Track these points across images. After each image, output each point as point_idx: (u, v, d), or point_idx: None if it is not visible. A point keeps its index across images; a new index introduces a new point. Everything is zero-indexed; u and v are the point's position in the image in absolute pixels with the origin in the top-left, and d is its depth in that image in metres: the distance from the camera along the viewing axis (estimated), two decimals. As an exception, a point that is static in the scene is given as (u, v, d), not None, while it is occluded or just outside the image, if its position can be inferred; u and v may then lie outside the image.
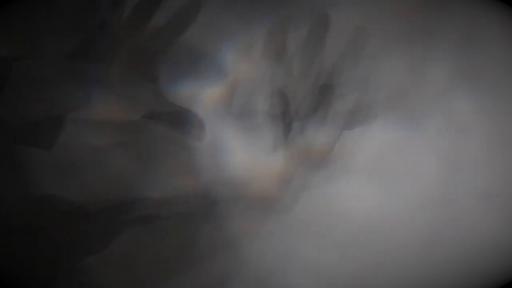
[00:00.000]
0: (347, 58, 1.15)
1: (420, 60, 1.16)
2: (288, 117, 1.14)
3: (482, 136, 1.16)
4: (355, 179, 1.14)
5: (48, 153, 1.10)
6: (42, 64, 1.10)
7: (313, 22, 1.15)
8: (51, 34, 1.11)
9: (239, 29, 1.14)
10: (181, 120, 1.12)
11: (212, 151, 1.13)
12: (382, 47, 1.15)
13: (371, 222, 1.14)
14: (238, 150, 1.13)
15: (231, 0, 1.14)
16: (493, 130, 1.16)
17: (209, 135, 1.13)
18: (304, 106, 1.14)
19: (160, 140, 1.12)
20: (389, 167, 1.15)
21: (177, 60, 1.13)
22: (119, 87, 1.12)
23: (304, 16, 1.15)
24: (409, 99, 1.16)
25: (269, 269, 1.12)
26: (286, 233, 1.13)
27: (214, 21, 1.13)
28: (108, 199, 1.10)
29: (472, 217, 1.14)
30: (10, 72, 1.09)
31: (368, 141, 1.15)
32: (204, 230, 1.12)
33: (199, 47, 1.13)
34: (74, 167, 1.10)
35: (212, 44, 1.13)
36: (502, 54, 1.16)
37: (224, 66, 1.14)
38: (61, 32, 1.11)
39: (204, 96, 1.13)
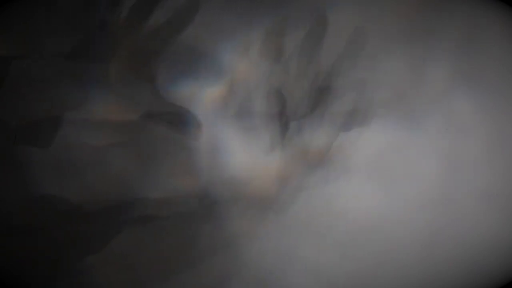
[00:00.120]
0: (346, 58, 1.15)
1: (420, 60, 1.16)
2: (285, 117, 1.14)
3: (482, 136, 1.16)
4: (355, 179, 1.14)
5: (48, 153, 1.10)
6: (42, 64, 1.10)
7: (313, 22, 1.15)
8: (51, 34, 1.11)
9: (238, 29, 1.14)
10: (180, 120, 1.12)
11: (211, 151, 1.13)
12: (382, 47, 1.15)
13: (371, 222, 1.14)
14: (237, 150, 1.13)
15: (231, 0, 1.14)
16: (493, 130, 1.16)
17: (209, 135, 1.13)
18: (302, 106, 1.14)
19: (160, 140, 1.12)
20: (389, 167, 1.15)
21: (176, 60, 1.13)
22: (118, 87, 1.12)
23: (303, 16, 1.15)
24: (409, 99, 1.16)
25: (269, 269, 1.12)
26: (286, 233, 1.13)
27: (214, 21, 1.14)
28: (108, 199, 1.11)
29: (472, 217, 1.14)
30: (9, 72, 1.09)
31: (368, 141, 1.15)
32: (204, 230, 1.12)
33: (199, 47, 1.13)
34: (74, 167, 1.10)
35: (211, 44, 1.13)
36: (502, 54, 1.16)
37: (224, 66, 1.14)
38: (61, 32, 1.11)
39: (203, 96, 1.13)
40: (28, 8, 1.11)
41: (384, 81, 1.15)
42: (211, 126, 1.13)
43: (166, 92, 1.12)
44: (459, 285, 1.13)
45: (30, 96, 1.10)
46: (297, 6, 1.15)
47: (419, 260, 1.13)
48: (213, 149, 1.13)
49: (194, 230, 1.12)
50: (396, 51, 1.16)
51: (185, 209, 1.12)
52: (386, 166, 1.15)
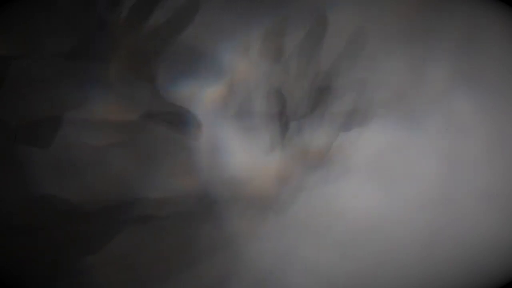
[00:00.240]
0: (346, 58, 1.15)
1: (420, 60, 1.16)
2: (285, 117, 1.14)
3: (482, 136, 1.16)
4: (354, 179, 1.14)
5: (48, 153, 1.10)
6: (42, 64, 1.10)
7: (313, 22, 1.15)
8: (51, 34, 1.11)
9: (238, 29, 1.14)
10: (180, 120, 1.12)
11: (211, 151, 1.13)
12: (382, 47, 1.15)
13: (371, 222, 1.14)
14: (237, 150, 1.13)
15: (231, 0, 1.14)
16: (493, 130, 1.16)
17: (209, 135, 1.13)
18: (302, 106, 1.14)
19: (159, 140, 1.12)
20: (389, 167, 1.15)
21: (176, 60, 1.13)
22: (118, 87, 1.12)
23: (303, 16, 1.15)
24: (409, 99, 1.16)
25: (269, 269, 1.12)
26: (286, 233, 1.13)
27: (214, 21, 1.14)
28: (108, 199, 1.11)
29: (472, 217, 1.14)
30: (9, 72, 1.10)
31: (368, 141, 1.15)
32: (204, 230, 1.12)
33: (199, 47, 1.13)
34: (74, 167, 1.10)
35: (211, 44, 1.13)
36: (502, 54, 1.16)
37: (224, 66, 1.14)
38: (61, 32, 1.11)
39: (203, 96, 1.13)
40: (28, 8, 1.11)
41: (384, 81, 1.15)
42: (211, 126, 1.13)
43: (166, 92, 1.12)
44: (459, 285, 1.13)
45: (30, 96, 1.10)
46: (297, 6, 1.15)
47: (419, 260, 1.13)
48: (213, 149, 1.13)
49: (193, 230, 1.12)
50: (396, 51, 1.16)
51: (184, 209, 1.12)
52: (386, 166, 1.15)
